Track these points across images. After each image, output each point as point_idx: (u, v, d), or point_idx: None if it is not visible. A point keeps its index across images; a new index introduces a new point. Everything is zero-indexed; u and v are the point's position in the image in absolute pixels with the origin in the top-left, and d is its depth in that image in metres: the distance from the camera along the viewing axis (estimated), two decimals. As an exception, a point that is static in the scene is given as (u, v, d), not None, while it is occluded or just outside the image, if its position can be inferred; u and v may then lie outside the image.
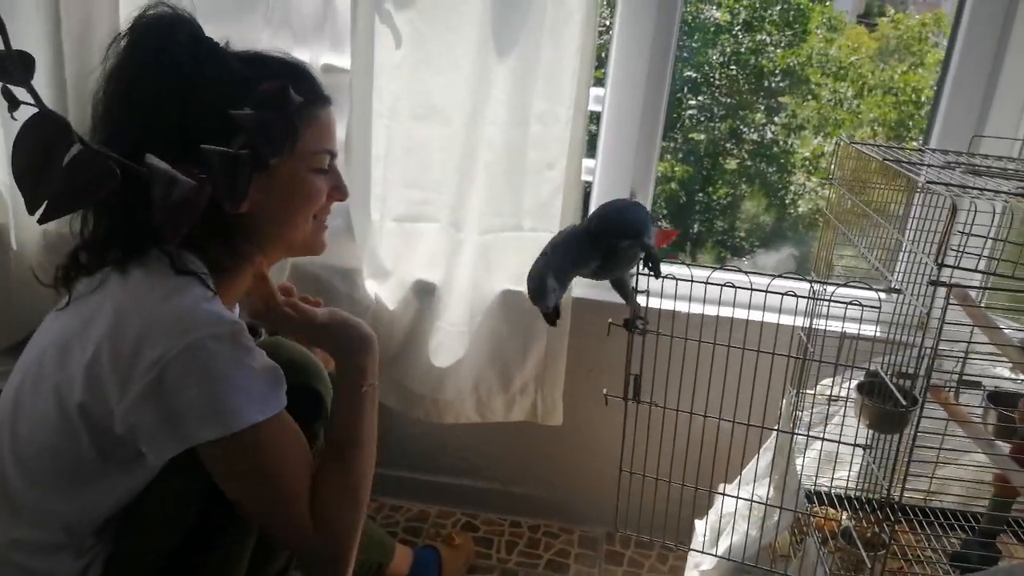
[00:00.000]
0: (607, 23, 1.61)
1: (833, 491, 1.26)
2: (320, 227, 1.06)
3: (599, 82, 1.58)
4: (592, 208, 1.65)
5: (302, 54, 1.47)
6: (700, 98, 3.55)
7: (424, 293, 1.58)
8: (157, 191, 0.52)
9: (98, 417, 0.89)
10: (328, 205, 1.05)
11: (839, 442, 1.14)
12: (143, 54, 0.90)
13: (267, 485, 0.93)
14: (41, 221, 0.58)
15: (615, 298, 1.21)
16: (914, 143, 1.50)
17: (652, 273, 1.10)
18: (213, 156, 0.55)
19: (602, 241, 1.09)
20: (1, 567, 0.92)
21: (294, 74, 0.99)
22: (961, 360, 1.12)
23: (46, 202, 0.57)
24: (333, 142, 1.04)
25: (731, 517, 1.31)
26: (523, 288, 1.57)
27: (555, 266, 1.06)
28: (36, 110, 0.57)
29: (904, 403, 1.06)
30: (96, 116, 0.92)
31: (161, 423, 0.87)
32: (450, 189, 1.51)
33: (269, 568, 1.08)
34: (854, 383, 1.18)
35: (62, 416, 0.90)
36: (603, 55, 1.60)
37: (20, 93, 0.57)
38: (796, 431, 1.23)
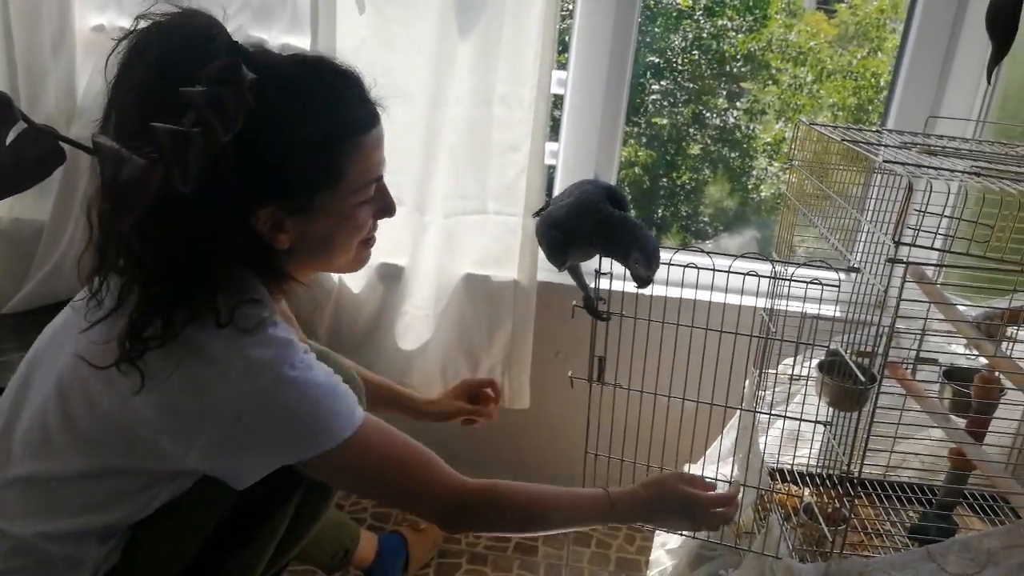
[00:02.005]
0: (569, 7, 1.61)
1: (795, 468, 1.28)
2: (366, 247, 1.02)
3: (562, 66, 1.58)
4: (556, 191, 1.65)
5: (261, 34, 1.45)
6: (663, 83, 3.55)
7: (389, 277, 1.57)
8: (106, 170, 0.51)
9: (167, 453, 0.87)
10: (375, 224, 1.01)
11: (800, 420, 1.16)
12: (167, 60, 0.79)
13: (390, 481, 0.96)
14: (-15, 202, 0.56)
15: (580, 281, 1.22)
16: (873, 126, 1.53)
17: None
18: (163, 134, 0.53)
19: (621, 206, 1.06)
20: (26, 554, 0.89)
21: (341, 94, 0.91)
22: (918, 338, 1.14)
23: (-10, 183, 0.55)
24: (381, 165, 0.96)
25: (696, 496, 1.33)
26: (489, 272, 1.58)
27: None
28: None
29: (863, 381, 1.08)
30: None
31: (250, 460, 0.88)
32: (414, 172, 1.50)
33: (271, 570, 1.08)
34: (815, 362, 1.19)
35: (125, 439, 0.88)
36: (565, 39, 1.59)
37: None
38: (759, 410, 1.25)
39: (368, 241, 1.02)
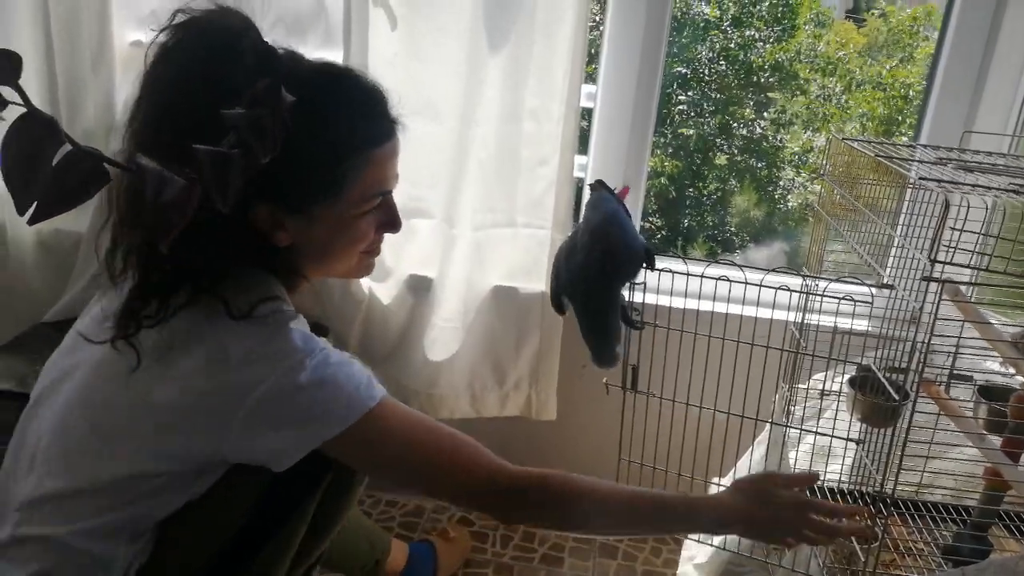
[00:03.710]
0: (598, 19, 1.61)
1: (826, 485, 1.26)
2: (368, 256, 1.02)
3: (590, 78, 1.58)
4: (583, 208, 1.65)
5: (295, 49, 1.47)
6: (690, 93, 3.55)
7: (419, 288, 1.58)
8: (148, 191, 0.52)
9: (199, 449, 0.89)
10: (379, 238, 1.01)
11: (832, 436, 1.14)
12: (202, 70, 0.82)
13: (420, 456, 0.93)
14: (31, 222, 0.57)
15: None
16: (903, 138, 1.50)
17: (647, 266, 1.10)
18: (203, 156, 0.54)
19: (622, 277, 1.10)
20: (61, 551, 0.90)
21: (358, 107, 0.92)
22: (952, 354, 1.13)
23: (36, 203, 0.56)
24: (392, 179, 0.96)
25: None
26: (517, 284, 1.58)
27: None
28: (25, 110, 0.56)
29: (896, 397, 1.06)
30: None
31: (280, 441, 0.87)
32: (444, 185, 1.51)
33: (298, 568, 1.08)
34: (846, 377, 1.18)
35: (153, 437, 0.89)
36: (594, 52, 1.59)
37: (8, 93, 0.56)
38: (789, 424, 1.24)
39: (371, 251, 1.02)
